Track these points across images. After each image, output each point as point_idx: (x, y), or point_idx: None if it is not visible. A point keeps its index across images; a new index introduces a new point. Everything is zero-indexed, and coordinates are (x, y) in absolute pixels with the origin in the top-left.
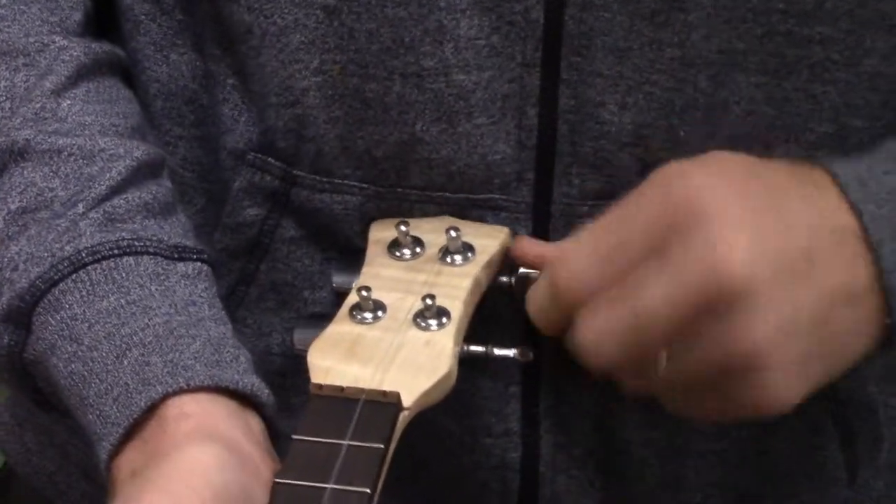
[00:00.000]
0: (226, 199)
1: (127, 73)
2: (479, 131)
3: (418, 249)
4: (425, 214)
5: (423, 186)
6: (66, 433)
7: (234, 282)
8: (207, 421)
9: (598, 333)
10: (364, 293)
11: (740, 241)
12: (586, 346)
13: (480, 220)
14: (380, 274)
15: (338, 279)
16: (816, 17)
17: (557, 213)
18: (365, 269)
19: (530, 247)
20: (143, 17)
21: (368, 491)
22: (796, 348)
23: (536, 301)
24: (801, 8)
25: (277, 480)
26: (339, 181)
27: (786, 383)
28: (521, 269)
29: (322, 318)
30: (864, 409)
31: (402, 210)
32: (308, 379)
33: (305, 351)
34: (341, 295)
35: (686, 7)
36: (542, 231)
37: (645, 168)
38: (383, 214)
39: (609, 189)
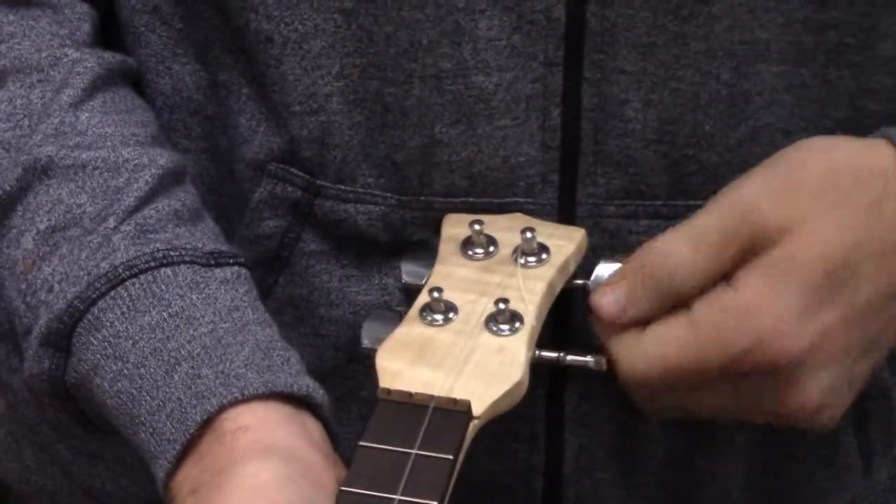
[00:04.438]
0: (238, 212)
1: (138, 83)
2: (502, 133)
3: (491, 248)
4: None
5: (446, 192)
6: (69, 452)
7: None
8: (265, 432)
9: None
10: (436, 294)
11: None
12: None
13: None
14: (452, 273)
15: (407, 275)
16: (831, 2)
17: (583, 214)
18: (437, 268)
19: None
20: (142, 28)
21: None
22: (844, 377)
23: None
24: None
25: (343, 489)
26: (363, 190)
27: (838, 404)
28: (597, 272)
29: (389, 312)
30: (877, 393)
31: (427, 219)
32: (329, 395)
33: (371, 348)
34: (409, 291)
35: None
36: None
37: (670, 165)
38: (407, 224)
39: (635, 188)
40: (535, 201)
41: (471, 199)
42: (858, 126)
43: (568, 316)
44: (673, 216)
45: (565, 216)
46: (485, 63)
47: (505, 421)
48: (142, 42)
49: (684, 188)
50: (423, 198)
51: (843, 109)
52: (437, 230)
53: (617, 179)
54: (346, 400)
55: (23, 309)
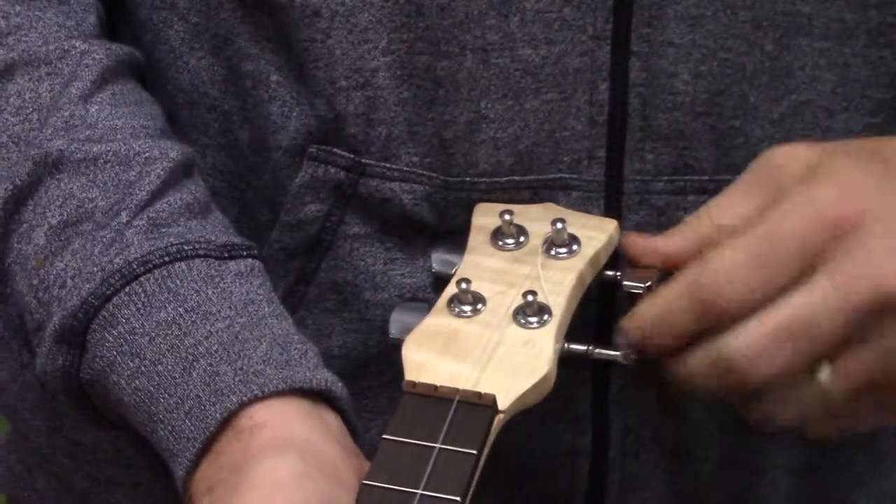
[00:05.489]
0: (265, 205)
1: (143, 76)
2: (548, 107)
3: (521, 239)
4: (495, 203)
5: (492, 172)
6: (86, 480)
7: (292, 282)
8: (282, 427)
9: (763, 344)
10: (464, 285)
11: None
12: (746, 356)
13: (552, 201)
14: (481, 264)
15: (437, 264)
16: None
17: (631, 191)
18: (466, 258)
19: (642, 240)
20: (160, 24)
21: (459, 499)
22: None
23: (668, 303)
24: None
25: (365, 482)
26: (408, 169)
27: None
28: (630, 266)
29: (420, 303)
30: None
31: (472, 200)
32: (375, 381)
33: (398, 338)
34: (439, 279)
35: None
36: (615, 210)
37: (717, 138)
38: (451, 205)
39: (683, 162)
40: (580, 177)
41: (516, 178)
42: None
43: (610, 309)
44: (719, 192)
45: (612, 193)
46: (532, 36)
47: (550, 403)
48: (161, 38)
49: (731, 162)
50: (468, 178)
51: (884, 90)
52: None
53: (665, 154)
54: (390, 387)
55: (34, 304)
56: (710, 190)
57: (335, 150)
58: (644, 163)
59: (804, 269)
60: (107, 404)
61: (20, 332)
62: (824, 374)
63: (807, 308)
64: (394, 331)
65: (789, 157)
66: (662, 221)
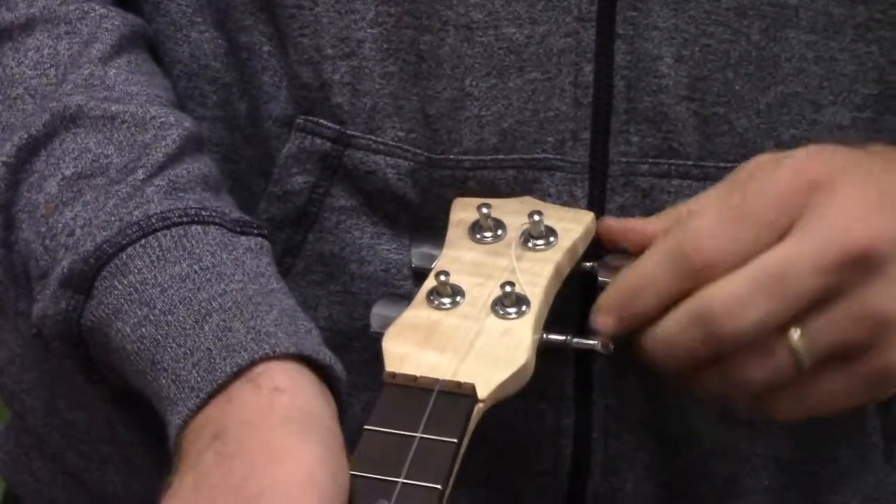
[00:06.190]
0: (260, 176)
1: (154, 51)
2: (532, 87)
3: (499, 232)
4: (480, 181)
5: (476, 150)
6: (80, 459)
7: (279, 254)
8: (302, 399)
9: (740, 295)
10: (443, 278)
11: (874, 215)
12: (724, 305)
13: (536, 182)
14: (460, 257)
15: (417, 259)
16: None
17: (615, 173)
18: (445, 252)
19: (618, 222)
20: None
21: (440, 487)
22: None
23: (648, 270)
24: None
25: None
26: (393, 143)
27: None
28: (607, 256)
29: (401, 298)
30: None
31: (456, 178)
32: (358, 357)
33: (380, 332)
34: (419, 275)
35: None
36: (600, 192)
37: (701, 123)
38: (435, 184)
39: (667, 146)
40: (565, 158)
41: (500, 157)
42: (887, 101)
43: (592, 300)
44: (703, 177)
45: (596, 174)
46: (516, 15)
47: (534, 383)
48: (161, 10)
49: (715, 149)
50: (451, 156)
51: (871, 85)
52: (464, 190)
53: (650, 137)
54: (372, 364)
55: (40, 251)
56: (694, 175)
57: (321, 120)
58: (629, 145)
59: (781, 229)
60: (103, 354)
61: (21, 279)
62: (795, 335)
63: (781, 264)
64: (375, 325)
65: (818, 173)
66: (647, 204)
